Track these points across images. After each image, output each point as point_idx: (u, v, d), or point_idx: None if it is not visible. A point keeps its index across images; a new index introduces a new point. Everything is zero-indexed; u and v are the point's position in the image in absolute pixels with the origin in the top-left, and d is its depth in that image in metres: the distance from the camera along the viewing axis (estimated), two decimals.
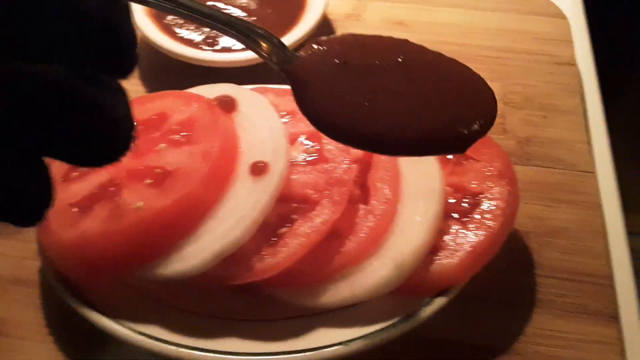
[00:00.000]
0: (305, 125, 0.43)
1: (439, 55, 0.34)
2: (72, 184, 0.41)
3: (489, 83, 0.58)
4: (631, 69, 1.12)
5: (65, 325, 0.43)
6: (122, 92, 0.23)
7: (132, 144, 0.24)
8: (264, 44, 0.33)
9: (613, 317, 0.44)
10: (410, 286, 0.39)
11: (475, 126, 0.31)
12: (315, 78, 0.33)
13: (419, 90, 0.32)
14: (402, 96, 0.32)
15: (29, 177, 0.22)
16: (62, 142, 0.22)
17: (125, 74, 0.23)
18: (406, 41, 0.34)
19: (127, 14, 0.22)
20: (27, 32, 0.20)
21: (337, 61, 0.33)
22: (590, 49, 0.67)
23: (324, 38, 0.34)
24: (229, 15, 0.34)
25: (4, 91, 0.20)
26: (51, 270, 0.40)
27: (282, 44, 0.34)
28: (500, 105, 0.57)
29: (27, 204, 0.23)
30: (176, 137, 0.42)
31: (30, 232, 0.47)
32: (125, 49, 0.22)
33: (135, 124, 0.24)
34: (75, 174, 0.42)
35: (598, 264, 0.46)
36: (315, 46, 0.34)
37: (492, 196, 0.41)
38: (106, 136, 0.23)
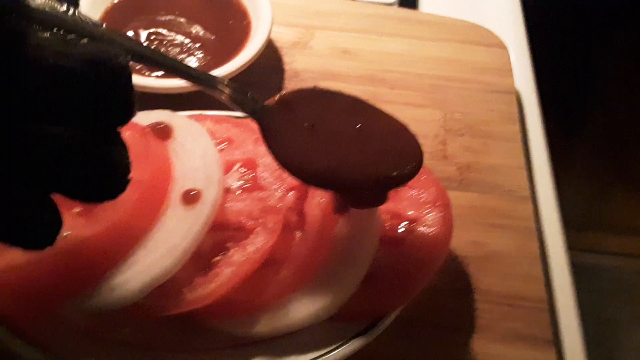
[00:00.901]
0: (241, 153, 0.43)
1: (381, 113, 0.41)
2: None
3: (430, 110, 0.61)
4: (574, 94, 1.17)
5: None
6: (123, 145, 0.28)
7: (128, 184, 0.29)
8: (233, 95, 0.38)
9: (549, 341, 0.44)
10: (347, 313, 0.38)
11: (408, 169, 0.37)
12: (283, 129, 0.38)
13: (366, 145, 0.38)
14: (353, 148, 0.38)
15: (40, 208, 0.27)
16: (70, 186, 0.27)
17: (124, 124, 0.28)
18: (361, 102, 0.41)
19: (125, 77, 0.27)
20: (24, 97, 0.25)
21: (303, 117, 0.38)
22: (533, 76, 0.70)
23: (290, 91, 0.40)
24: (199, 71, 0.39)
25: (13, 147, 0.25)
26: None
27: (253, 96, 0.39)
28: (441, 131, 0.59)
29: (40, 230, 0.28)
30: None
31: None
32: (124, 109, 0.27)
33: (130, 166, 0.29)
34: None
35: (534, 288, 0.47)
36: (283, 98, 0.39)
37: (426, 222, 0.42)
38: (105, 181, 0.28)
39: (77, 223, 0.37)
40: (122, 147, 0.29)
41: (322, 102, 0.39)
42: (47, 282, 0.36)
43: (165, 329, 0.39)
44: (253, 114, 0.38)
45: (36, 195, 0.27)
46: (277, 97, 0.39)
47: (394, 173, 0.37)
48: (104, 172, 0.27)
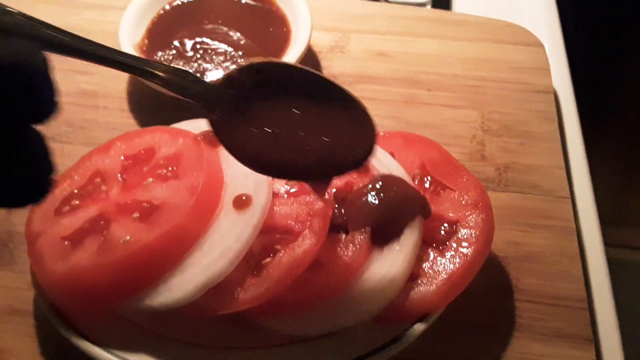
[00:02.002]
0: None
1: (336, 89, 0.36)
2: (63, 218, 0.43)
3: (467, 111, 0.61)
4: (610, 93, 1.14)
5: (59, 355, 0.44)
6: (40, 142, 0.27)
7: (51, 186, 0.27)
8: (170, 78, 0.35)
9: (589, 340, 0.45)
10: (391, 313, 0.40)
11: (360, 153, 0.36)
12: (232, 114, 0.35)
13: (318, 130, 0.36)
14: (305, 133, 0.36)
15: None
16: None
17: (42, 121, 0.26)
18: (313, 76, 0.36)
19: (43, 69, 0.25)
20: None
21: (253, 99, 0.35)
22: (569, 75, 0.69)
23: (238, 68, 0.35)
24: (127, 54, 0.35)
25: None
26: (45, 301, 0.42)
27: (196, 77, 0.35)
28: (479, 132, 0.59)
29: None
30: (163, 171, 0.44)
31: (25, 264, 0.49)
32: (41, 102, 0.26)
33: (53, 167, 0.27)
34: (66, 208, 0.44)
35: (574, 287, 0.47)
36: (231, 77, 0.35)
37: (467, 224, 0.43)
38: (24, 180, 0.26)
39: (136, 228, 0.40)
40: (42, 145, 0.27)
41: (275, 79, 0.35)
42: (108, 283, 0.39)
43: (217, 326, 0.41)
44: (196, 97, 0.35)
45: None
46: (223, 77, 0.35)
47: (346, 163, 0.36)
48: (17, 175, 0.26)
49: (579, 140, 0.62)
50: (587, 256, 0.52)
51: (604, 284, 0.51)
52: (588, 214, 0.56)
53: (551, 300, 0.47)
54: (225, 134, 0.35)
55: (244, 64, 0.35)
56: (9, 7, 0.30)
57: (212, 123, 0.35)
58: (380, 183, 0.43)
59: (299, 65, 0.36)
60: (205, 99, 0.35)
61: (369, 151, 0.36)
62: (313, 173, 0.37)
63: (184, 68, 0.36)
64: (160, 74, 0.34)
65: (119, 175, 0.45)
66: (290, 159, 0.36)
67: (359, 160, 0.36)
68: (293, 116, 0.35)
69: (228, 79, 0.35)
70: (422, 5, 0.81)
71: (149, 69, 0.34)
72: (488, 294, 0.46)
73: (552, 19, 0.76)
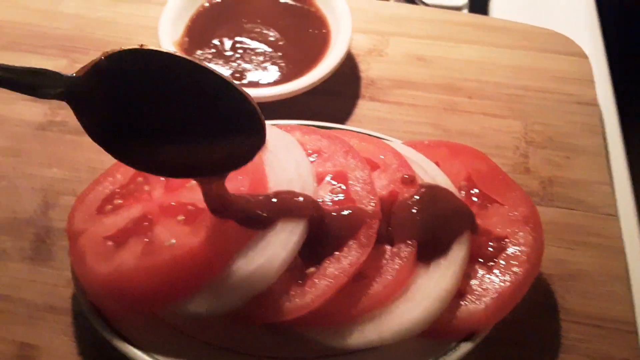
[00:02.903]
0: (331, 165, 0.44)
1: (207, 73, 0.33)
2: (106, 218, 0.42)
3: (509, 121, 0.60)
4: None
5: (95, 354, 0.44)
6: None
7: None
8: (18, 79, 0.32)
9: None
10: (437, 329, 0.39)
11: (247, 147, 0.35)
12: (99, 109, 0.33)
13: (192, 122, 0.34)
14: (178, 127, 0.34)
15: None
16: None
17: None
18: (183, 61, 0.33)
19: None
20: None
21: (121, 91, 0.33)
22: (612, 88, 0.68)
23: (105, 57, 0.32)
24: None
25: None
26: (85, 300, 0.41)
27: (54, 73, 0.33)
28: (522, 144, 0.58)
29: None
30: None
31: (62, 261, 0.48)
32: None
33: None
34: (109, 207, 0.43)
35: (620, 309, 0.46)
36: (97, 67, 0.32)
37: (517, 241, 0.42)
38: None
39: (181, 231, 0.39)
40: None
41: (142, 68, 0.32)
42: (152, 287, 0.38)
43: (258, 335, 0.40)
44: (59, 96, 0.32)
45: None
46: (88, 67, 0.32)
47: (232, 158, 0.35)
48: None
49: (622, 155, 0.60)
50: (632, 276, 0.51)
51: None
52: (632, 232, 0.54)
53: (597, 321, 0.45)
54: (93, 129, 0.33)
55: (109, 51, 0.32)
56: None
57: (79, 117, 0.33)
58: (427, 194, 0.42)
59: (173, 53, 0.33)
60: (70, 94, 0.32)
61: (257, 145, 0.34)
62: (196, 169, 0.35)
63: (40, 68, 0.32)
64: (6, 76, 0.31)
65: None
66: (168, 154, 0.34)
67: (246, 155, 0.35)
68: (169, 107, 0.33)
69: (95, 69, 0.32)
70: (458, 9, 0.80)
71: None
72: (532, 313, 0.45)
73: (594, 28, 0.75)
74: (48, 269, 0.48)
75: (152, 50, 0.32)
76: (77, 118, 0.33)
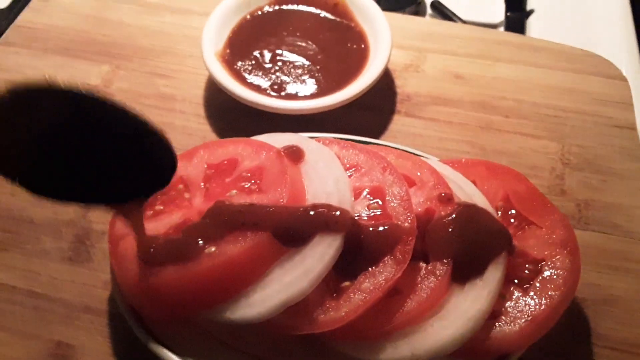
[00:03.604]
0: (369, 180, 0.44)
1: (113, 109, 0.34)
2: (148, 222, 0.43)
3: (546, 142, 0.59)
4: None
5: (129, 356, 0.45)
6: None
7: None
8: None
9: None
10: (470, 349, 0.39)
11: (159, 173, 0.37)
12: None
13: (105, 156, 0.35)
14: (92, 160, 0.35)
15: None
16: None
17: None
18: (85, 98, 0.34)
19: None
20: None
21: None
22: None
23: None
24: None
25: None
26: (123, 303, 0.42)
27: None
28: (558, 165, 0.58)
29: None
30: (247, 184, 0.44)
31: (101, 262, 0.50)
32: None
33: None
34: (150, 212, 0.44)
35: None
36: None
37: (554, 265, 0.42)
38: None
39: (221, 239, 0.40)
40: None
41: (46, 102, 0.33)
42: (191, 293, 0.39)
43: (291, 346, 0.41)
44: None
45: None
46: None
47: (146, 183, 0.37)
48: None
49: None
50: None
51: None
52: None
53: (632, 347, 0.45)
54: None
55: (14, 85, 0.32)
56: None
57: None
58: (463, 213, 0.42)
59: (75, 89, 0.33)
60: None
61: (170, 170, 0.36)
62: (109, 196, 0.37)
63: None
64: None
65: (202, 183, 0.45)
66: (75, 183, 0.35)
67: (158, 182, 0.37)
68: (74, 139, 0.34)
69: None
70: (495, 26, 0.80)
71: None
72: (566, 337, 0.45)
73: (633, 50, 0.74)
74: (86, 270, 0.50)
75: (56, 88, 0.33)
76: None
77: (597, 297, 0.48)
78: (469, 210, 0.42)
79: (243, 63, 0.61)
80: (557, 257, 0.42)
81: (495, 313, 0.40)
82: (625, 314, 0.47)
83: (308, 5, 0.67)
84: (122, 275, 0.42)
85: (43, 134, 0.34)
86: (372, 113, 0.63)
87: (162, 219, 0.43)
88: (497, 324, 0.39)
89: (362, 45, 0.64)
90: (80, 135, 0.34)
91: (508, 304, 0.40)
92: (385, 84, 0.65)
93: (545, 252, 0.42)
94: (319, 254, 0.39)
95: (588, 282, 0.48)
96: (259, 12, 0.66)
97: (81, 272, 0.50)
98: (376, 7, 0.64)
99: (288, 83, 0.60)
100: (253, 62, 0.62)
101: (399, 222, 0.41)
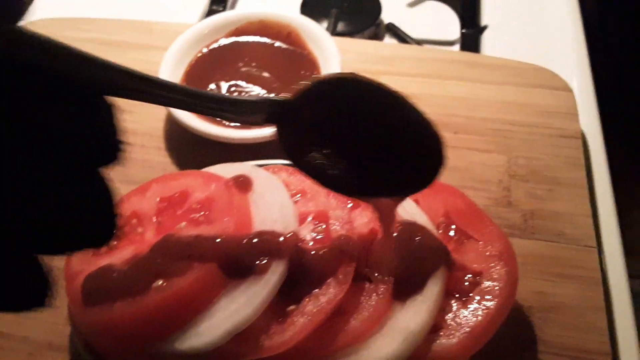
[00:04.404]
0: (314, 205, 0.46)
1: (411, 110, 0.37)
2: (101, 259, 0.45)
3: (494, 155, 0.62)
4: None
5: None
6: (106, 187, 0.27)
7: (115, 233, 0.28)
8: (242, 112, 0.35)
9: None
10: None
11: (426, 182, 0.38)
12: (302, 132, 0.36)
13: (389, 150, 0.37)
14: (376, 154, 0.37)
15: (29, 274, 0.26)
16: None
17: (110, 164, 0.26)
18: (393, 96, 0.37)
19: (110, 117, 0.25)
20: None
21: (326, 115, 0.36)
22: (599, 121, 0.69)
23: (314, 82, 0.35)
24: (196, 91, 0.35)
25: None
26: (80, 339, 0.44)
27: (270, 100, 0.36)
28: (505, 177, 0.60)
29: (30, 295, 0.27)
30: (196, 215, 0.46)
31: (63, 299, 0.51)
32: (107, 147, 0.26)
33: (118, 214, 0.28)
34: (104, 248, 0.46)
35: (599, 340, 0.47)
36: (306, 90, 0.35)
37: (491, 276, 0.43)
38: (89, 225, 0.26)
39: (170, 272, 0.42)
40: (107, 191, 0.27)
41: (349, 95, 0.35)
42: (141, 325, 0.41)
43: None
44: (262, 122, 0.35)
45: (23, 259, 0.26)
46: (299, 90, 0.35)
47: (411, 187, 0.38)
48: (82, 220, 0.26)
49: (607, 187, 0.62)
50: (614, 308, 0.52)
51: (630, 337, 0.50)
52: (616, 264, 0.55)
53: (575, 353, 0.46)
54: (291, 148, 0.37)
55: (321, 77, 0.35)
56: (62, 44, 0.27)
57: (280, 137, 0.36)
58: (403, 232, 0.44)
59: (368, 79, 0.36)
60: (279, 117, 0.35)
61: (437, 171, 0.37)
62: (380, 191, 0.38)
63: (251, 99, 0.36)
64: (229, 114, 0.35)
65: (154, 217, 0.47)
66: (355, 175, 0.37)
67: (426, 180, 0.37)
68: (360, 130, 0.36)
69: (304, 92, 0.35)
70: (451, 43, 0.83)
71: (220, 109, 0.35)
72: (511, 345, 0.46)
73: (582, 62, 0.76)
74: (49, 307, 0.51)
75: (358, 77, 0.35)
76: (278, 138, 0.36)
77: (543, 304, 0.49)
78: (409, 229, 0.44)
79: None
80: (495, 268, 0.44)
81: (436, 327, 0.42)
82: (570, 320, 0.48)
83: (262, 36, 0.69)
84: (76, 312, 0.43)
85: (334, 121, 0.35)
86: None
87: (115, 254, 0.45)
88: (437, 337, 0.41)
89: (315, 72, 0.66)
90: (365, 125, 0.36)
91: (448, 317, 0.42)
92: None
93: (483, 265, 0.44)
94: (263, 281, 0.41)
95: (534, 290, 0.50)
96: (216, 45, 0.69)
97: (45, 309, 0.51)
98: (326, 35, 0.67)
99: None
100: None
101: (341, 245, 0.43)
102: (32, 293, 0.27)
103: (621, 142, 0.82)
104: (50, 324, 0.50)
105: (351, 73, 0.35)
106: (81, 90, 0.25)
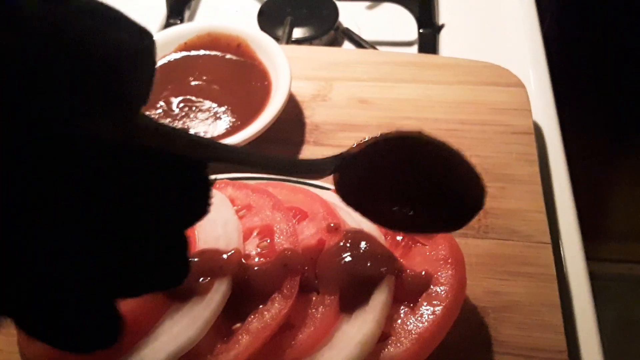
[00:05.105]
0: (259, 219, 0.46)
1: (449, 152, 0.39)
2: None
3: None
4: (596, 131, 1.15)
5: None
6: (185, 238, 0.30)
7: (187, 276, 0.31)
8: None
9: None
10: None
11: (465, 218, 0.39)
12: (356, 181, 0.39)
13: (429, 190, 0.39)
14: (420, 200, 0.39)
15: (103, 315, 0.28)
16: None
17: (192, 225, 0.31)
18: (445, 149, 0.39)
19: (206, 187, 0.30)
20: None
21: (378, 166, 0.39)
22: (556, 116, 0.70)
23: (360, 144, 0.38)
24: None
25: None
26: None
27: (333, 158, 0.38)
28: None
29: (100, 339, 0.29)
30: None
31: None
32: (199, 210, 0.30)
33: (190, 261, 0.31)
34: None
35: (554, 338, 0.47)
36: (362, 147, 0.38)
37: (438, 280, 0.43)
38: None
39: None
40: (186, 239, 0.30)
41: (411, 151, 0.38)
42: (81, 355, 0.40)
43: None
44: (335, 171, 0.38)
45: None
46: (363, 145, 0.38)
47: (452, 226, 0.40)
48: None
49: (566, 182, 0.62)
50: (574, 305, 0.52)
51: (591, 332, 0.50)
52: (574, 261, 0.55)
53: (530, 352, 0.46)
54: (346, 193, 0.39)
55: (387, 133, 0.38)
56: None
57: (338, 185, 0.39)
58: (349, 241, 0.44)
59: (432, 138, 0.38)
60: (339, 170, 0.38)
61: (475, 213, 0.39)
62: (427, 228, 0.41)
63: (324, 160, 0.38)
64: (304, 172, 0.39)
65: None
66: (402, 214, 0.39)
67: (466, 220, 0.39)
68: (416, 180, 0.39)
69: (361, 148, 0.38)
70: (410, 44, 0.83)
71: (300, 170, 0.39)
72: (466, 347, 0.46)
73: (539, 59, 0.77)
74: (3, 336, 0.50)
75: (424, 137, 0.38)
76: (335, 186, 0.38)
77: (497, 304, 0.49)
78: (354, 238, 0.44)
79: (150, 113, 0.63)
80: (442, 272, 0.43)
81: (385, 335, 0.41)
82: (524, 319, 0.48)
83: (212, 49, 0.69)
84: (23, 342, 0.42)
85: (386, 171, 0.39)
86: (282, 145, 0.64)
87: None
88: (386, 346, 0.41)
89: (265, 82, 0.65)
90: (414, 174, 0.39)
91: (397, 324, 0.42)
92: (295, 115, 0.67)
93: (431, 269, 0.44)
94: (206, 301, 0.40)
95: (488, 290, 0.50)
96: (165, 60, 0.68)
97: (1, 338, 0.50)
98: (275, 44, 0.67)
99: (195, 127, 0.61)
100: (160, 110, 0.63)
101: (285, 258, 0.43)
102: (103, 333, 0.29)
103: (578, 133, 0.83)
104: (6, 352, 0.49)
105: (417, 132, 0.38)
106: (187, 167, 0.29)
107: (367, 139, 0.37)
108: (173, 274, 0.30)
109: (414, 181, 0.38)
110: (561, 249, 0.57)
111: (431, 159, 0.38)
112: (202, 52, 0.69)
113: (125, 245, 0.27)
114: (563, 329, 0.47)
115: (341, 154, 0.37)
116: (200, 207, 0.29)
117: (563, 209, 0.60)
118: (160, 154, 0.27)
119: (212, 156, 0.30)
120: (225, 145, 0.33)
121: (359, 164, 0.38)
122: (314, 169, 0.37)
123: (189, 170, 0.29)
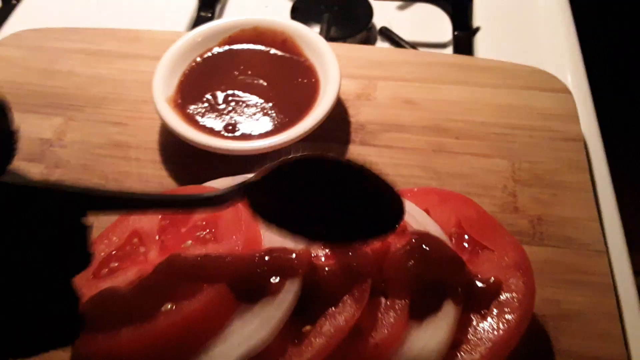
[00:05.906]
0: None
1: (357, 169, 0.40)
2: (102, 282, 0.43)
3: (497, 160, 0.61)
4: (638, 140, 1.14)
5: None
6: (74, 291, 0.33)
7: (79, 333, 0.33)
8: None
9: None
10: None
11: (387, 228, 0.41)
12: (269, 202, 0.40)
13: (342, 206, 0.41)
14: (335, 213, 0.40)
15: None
16: None
17: (79, 273, 0.32)
18: (350, 166, 0.40)
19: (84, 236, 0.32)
20: None
21: (288, 187, 0.40)
22: (597, 123, 0.69)
23: (261, 170, 0.39)
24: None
25: None
26: None
27: (240, 185, 0.39)
28: (510, 182, 0.59)
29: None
30: (202, 233, 0.44)
31: None
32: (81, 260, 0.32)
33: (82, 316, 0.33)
34: (105, 270, 0.44)
35: (614, 347, 0.47)
36: (266, 172, 0.39)
37: (508, 287, 0.42)
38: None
39: (178, 295, 0.40)
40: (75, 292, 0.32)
41: (308, 169, 0.39)
42: (149, 352, 0.39)
43: None
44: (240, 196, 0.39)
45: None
46: (265, 171, 0.39)
47: (370, 239, 0.42)
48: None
49: (610, 191, 0.61)
50: (624, 314, 0.51)
51: None
52: (622, 268, 0.55)
53: None
54: (262, 216, 0.40)
55: (285, 158, 0.39)
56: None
57: (251, 208, 0.40)
58: (417, 245, 0.43)
59: (334, 158, 0.40)
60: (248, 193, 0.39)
61: (397, 222, 0.41)
62: (346, 240, 0.42)
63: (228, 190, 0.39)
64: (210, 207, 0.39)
65: (157, 236, 0.45)
66: (317, 229, 0.40)
67: (388, 229, 0.41)
68: (328, 197, 0.40)
69: (265, 173, 0.39)
70: (444, 45, 0.82)
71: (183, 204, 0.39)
72: (527, 356, 0.46)
73: (577, 64, 0.76)
74: None
75: (325, 157, 0.40)
76: (249, 209, 0.39)
77: (556, 312, 0.49)
78: (423, 241, 0.43)
79: (196, 106, 0.62)
80: (512, 279, 0.43)
81: (456, 342, 0.41)
82: (584, 328, 0.48)
83: (257, 43, 0.68)
84: (80, 344, 0.41)
85: (298, 192, 0.40)
86: (328, 144, 0.63)
87: (117, 277, 0.43)
88: (458, 353, 0.40)
89: (313, 79, 0.64)
90: (326, 193, 0.40)
91: (467, 331, 0.41)
92: (339, 114, 0.66)
93: (500, 276, 0.43)
94: (277, 301, 0.39)
95: (546, 298, 0.49)
96: (209, 54, 0.67)
97: None
98: (323, 41, 0.66)
99: (242, 123, 0.60)
100: (206, 104, 0.62)
101: (354, 260, 0.42)
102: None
103: (619, 144, 0.82)
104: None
105: (319, 153, 0.39)
106: (63, 218, 0.31)
107: (267, 166, 0.39)
108: (66, 330, 0.32)
109: (325, 199, 0.39)
110: (609, 257, 0.56)
111: (339, 178, 0.39)
112: (246, 46, 0.68)
113: (9, 304, 0.30)
114: (622, 339, 0.47)
115: (242, 183, 0.38)
116: (81, 255, 0.31)
117: (609, 219, 0.60)
118: (29, 206, 0.29)
119: (88, 208, 0.32)
120: (105, 192, 0.34)
121: (266, 189, 0.39)
122: (207, 202, 0.38)
123: (66, 220, 0.31)
